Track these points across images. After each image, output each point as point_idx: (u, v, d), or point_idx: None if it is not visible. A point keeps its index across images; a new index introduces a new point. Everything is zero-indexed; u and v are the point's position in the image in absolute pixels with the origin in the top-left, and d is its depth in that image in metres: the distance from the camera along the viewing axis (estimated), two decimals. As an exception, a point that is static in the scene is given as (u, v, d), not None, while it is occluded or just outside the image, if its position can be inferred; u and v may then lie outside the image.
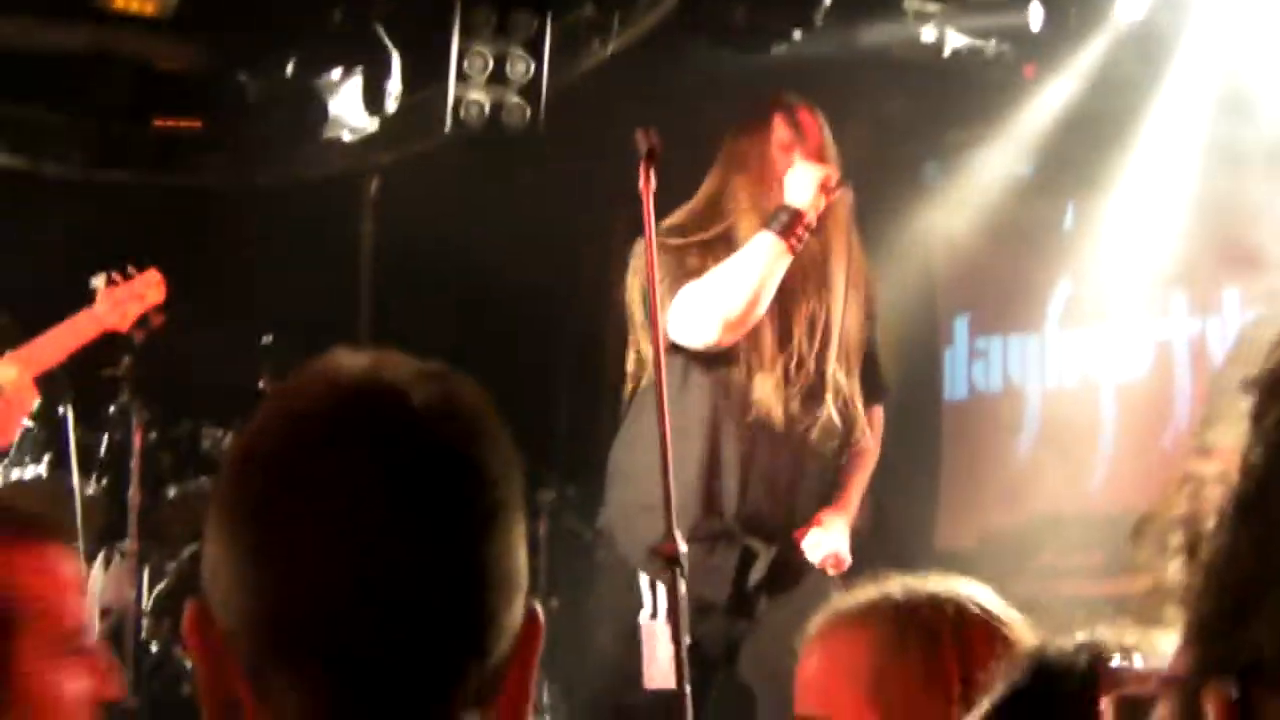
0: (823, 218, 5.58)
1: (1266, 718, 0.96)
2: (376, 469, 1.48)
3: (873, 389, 5.88)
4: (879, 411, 5.96)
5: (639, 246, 5.57)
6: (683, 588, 5.02)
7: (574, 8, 7.41)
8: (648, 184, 5.19)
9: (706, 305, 5.42)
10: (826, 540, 5.67)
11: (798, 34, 7.00)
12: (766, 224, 5.51)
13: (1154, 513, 7.00)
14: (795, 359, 5.68)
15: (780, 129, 5.69)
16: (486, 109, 7.27)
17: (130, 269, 7.09)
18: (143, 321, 7.19)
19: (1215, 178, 8.09)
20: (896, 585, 2.47)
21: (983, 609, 2.41)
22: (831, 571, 5.60)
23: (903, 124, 8.96)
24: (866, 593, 2.49)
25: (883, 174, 9.18)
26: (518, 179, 8.38)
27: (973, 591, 2.46)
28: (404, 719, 1.50)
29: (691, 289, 5.45)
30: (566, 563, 8.81)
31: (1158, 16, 7.60)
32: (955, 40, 7.69)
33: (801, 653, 2.51)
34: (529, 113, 7.30)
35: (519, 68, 7.27)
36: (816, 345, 5.69)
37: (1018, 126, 8.29)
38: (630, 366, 5.74)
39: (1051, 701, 1.69)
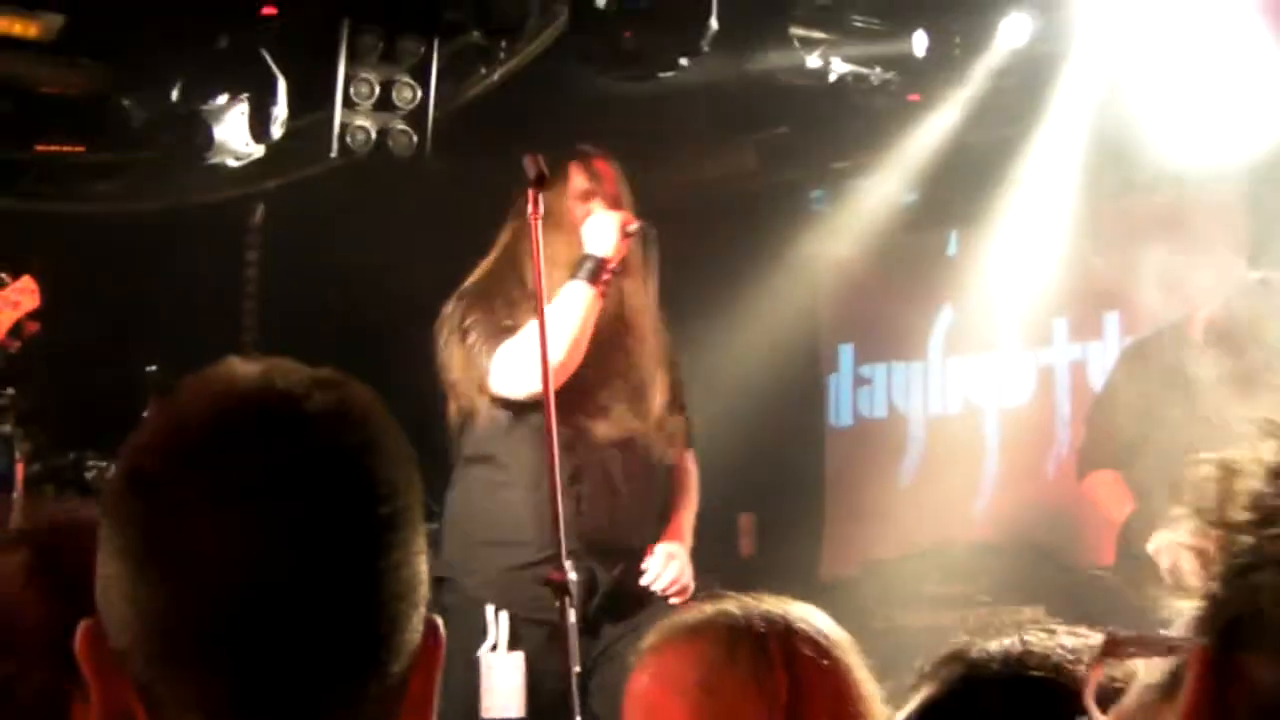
0: (624, 260, 5.71)
1: (1253, 678, 0.95)
2: (268, 479, 1.45)
3: (684, 432, 6.02)
4: (691, 455, 6.11)
5: (450, 304, 5.72)
6: (572, 616, 5.09)
7: (461, 34, 7.39)
8: (536, 210, 5.25)
9: (529, 357, 5.46)
10: (667, 569, 5.80)
11: (685, 61, 7.02)
12: (574, 273, 5.61)
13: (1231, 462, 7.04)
14: (630, 394, 5.83)
15: (577, 178, 5.79)
16: (373, 135, 7.25)
17: (4, 276, 7.02)
18: (16, 330, 7.12)
19: (1096, 205, 8.19)
20: (730, 603, 2.55)
21: (812, 627, 2.49)
22: (675, 600, 5.72)
23: (788, 151, 9.00)
24: (701, 610, 2.56)
25: (768, 200, 9.24)
26: (403, 206, 8.36)
27: (804, 611, 2.54)
28: None
29: (511, 344, 5.59)
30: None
31: (1041, 44, 7.68)
32: (840, 67, 7.74)
33: (634, 668, 2.55)
34: (415, 139, 7.29)
35: (405, 94, 7.26)
36: (641, 382, 5.85)
37: (902, 154, 8.35)
38: (453, 419, 5.86)
39: (975, 701, 1.70)
